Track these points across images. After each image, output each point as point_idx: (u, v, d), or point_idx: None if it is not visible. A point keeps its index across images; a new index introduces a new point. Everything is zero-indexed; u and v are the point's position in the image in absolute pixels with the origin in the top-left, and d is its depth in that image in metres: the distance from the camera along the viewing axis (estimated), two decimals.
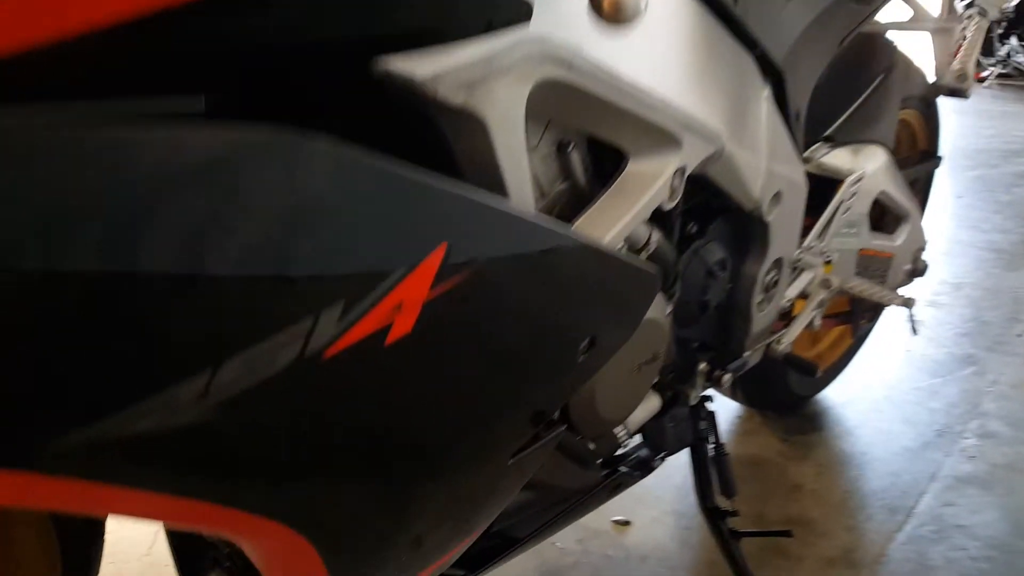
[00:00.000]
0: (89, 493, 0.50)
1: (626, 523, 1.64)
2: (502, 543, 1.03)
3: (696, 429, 1.35)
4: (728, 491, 1.34)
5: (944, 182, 3.64)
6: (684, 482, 1.74)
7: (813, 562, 1.53)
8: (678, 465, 1.76)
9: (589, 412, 0.97)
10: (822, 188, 1.40)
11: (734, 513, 1.36)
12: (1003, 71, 6.06)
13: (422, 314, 0.57)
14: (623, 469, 1.13)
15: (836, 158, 1.43)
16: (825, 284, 1.37)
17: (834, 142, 1.46)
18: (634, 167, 0.88)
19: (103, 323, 0.45)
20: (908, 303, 1.73)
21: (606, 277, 0.74)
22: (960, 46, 1.57)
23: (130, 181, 0.43)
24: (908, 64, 1.70)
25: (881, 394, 2.06)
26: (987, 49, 6.08)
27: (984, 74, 6.12)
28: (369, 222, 0.53)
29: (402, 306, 0.56)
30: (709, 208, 1.15)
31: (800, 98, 1.22)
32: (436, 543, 0.80)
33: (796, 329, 1.33)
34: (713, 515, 1.35)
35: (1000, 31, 5.99)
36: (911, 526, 1.62)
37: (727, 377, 1.25)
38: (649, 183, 0.88)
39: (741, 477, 1.59)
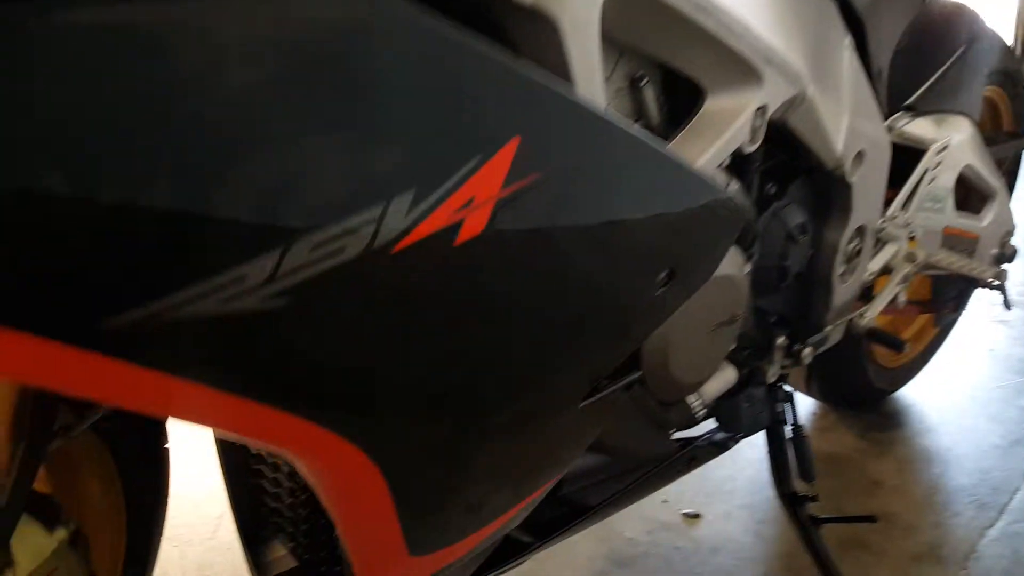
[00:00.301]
0: (150, 383, 0.47)
1: (696, 516, 1.58)
2: (572, 511, 0.98)
3: (773, 411, 1.29)
4: (807, 475, 1.27)
5: None
6: (757, 475, 1.67)
7: (897, 557, 1.45)
8: (751, 459, 1.70)
9: (663, 369, 0.92)
10: (903, 160, 1.34)
11: (813, 498, 1.29)
12: None
13: (494, 214, 0.54)
14: (698, 442, 1.07)
15: (919, 127, 1.36)
16: (910, 258, 1.30)
17: (916, 111, 1.40)
18: (713, 103, 0.83)
19: (174, 196, 0.42)
20: (1000, 276, 1.64)
21: (690, 199, 0.69)
22: None
23: (223, 47, 0.41)
24: (993, 36, 1.62)
25: (965, 392, 1.96)
26: None
27: None
28: (449, 102, 0.50)
29: (473, 202, 0.52)
30: (789, 168, 1.10)
31: (882, 55, 1.16)
32: (507, 489, 0.76)
33: (879, 304, 1.26)
34: (791, 501, 1.28)
35: None
36: (1004, 522, 1.52)
37: (807, 352, 1.18)
38: (729, 121, 0.83)
39: (817, 472, 1.52)
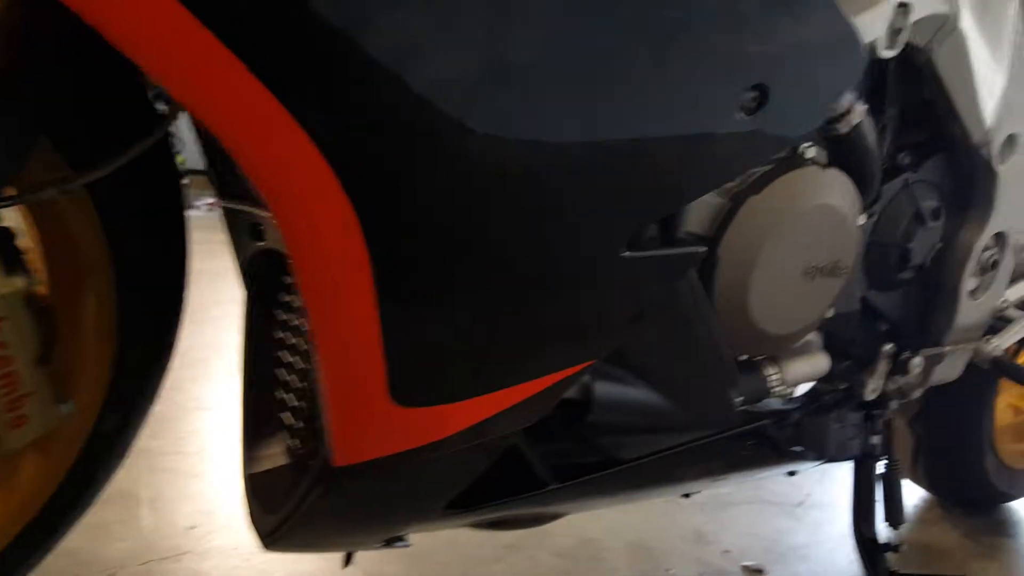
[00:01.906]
0: None
1: (759, 571, 1.38)
2: (601, 461, 0.84)
3: (867, 440, 1.11)
4: (895, 518, 1.08)
5: None
6: (837, 550, 1.46)
7: None
8: (833, 535, 1.49)
9: (739, 302, 0.78)
10: None
11: (895, 548, 1.09)
12: None
13: None
14: (767, 427, 0.91)
15: None
16: None
17: None
18: None
19: None
20: None
21: (794, 4, 0.57)
22: None
23: None
24: None
25: None
26: None
27: None
28: None
29: None
30: (931, 143, 0.96)
31: None
32: (515, 356, 0.63)
33: (1013, 332, 1.07)
34: (869, 547, 1.08)
35: None
36: None
37: (917, 361, 1.01)
38: (866, 5, 0.71)
39: (911, 561, 1.30)
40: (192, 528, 1.34)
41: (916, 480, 1.62)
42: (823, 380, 1.08)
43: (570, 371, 0.67)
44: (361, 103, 0.49)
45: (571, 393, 0.75)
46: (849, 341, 1.02)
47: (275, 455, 0.91)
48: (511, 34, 0.50)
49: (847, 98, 0.78)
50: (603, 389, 0.77)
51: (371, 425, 0.65)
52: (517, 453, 0.79)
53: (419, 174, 0.51)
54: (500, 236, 0.55)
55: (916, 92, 0.89)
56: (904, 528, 1.58)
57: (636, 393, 0.79)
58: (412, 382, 0.62)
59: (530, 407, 0.69)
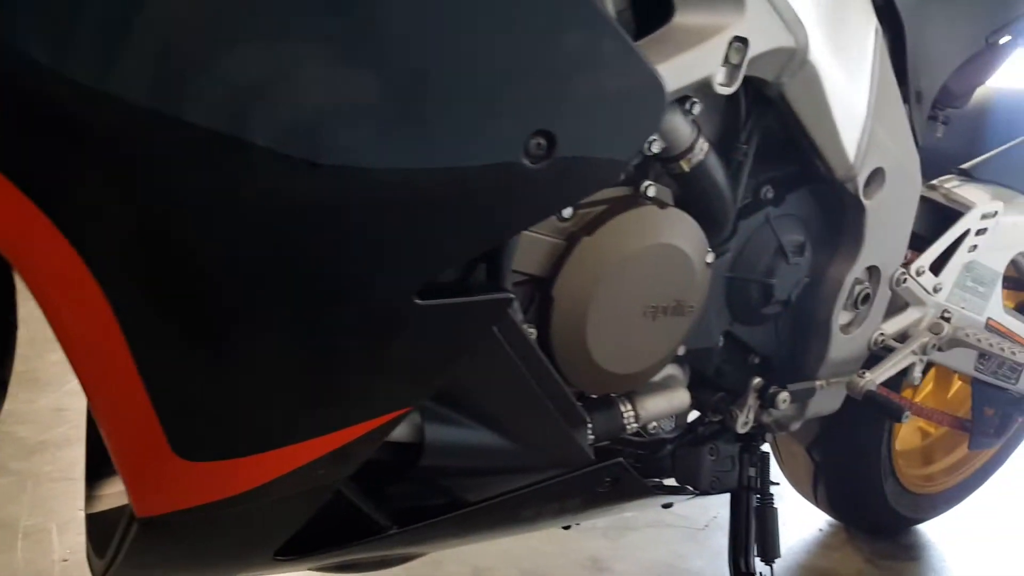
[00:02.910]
0: None
1: None
2: (444, 504, 0.81)
3: (743, 473, 1.09)
4: (768, 553, 1.06)
5: None
6: None
7: None
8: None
9: (577, 343, 0.76)
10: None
11: None
12: None
13: None
14: (623, 461, 0.89)
15: (970, 192, 1.19)
16: (935, 328, 1.11)
17: (970, 177, 1.22)
18: (682, 19, 0.70)
19: None
20: None
21: (581, 39, 0.54)
22: None
23: None
24: None
25: (1002, 545, 1.68)
26: None
27: None
28: None
29: None
30: (795, 176, 0.95)
31: (925, 77, 1.01)
32: (315, 407, 0.60)
33: (887, 367, 1.06)
34: None
35: None
36: None
37: (783, 397, 1.00)
38: (696, 41, 0.69)
39: None
40: (65, 560, 1.29)
41: (818, 506, 1.61)
42: (700, 412, 1.07)
43: (379, 421, 0.64)
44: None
45: (403, 436, 0.73)
46: (719, 374, 1.01)
47: (114, 495, 0.87)
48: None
49: (688, 135, 0.76)
50: (435, 433, 0.74)
51: (161, 479, 0.62)
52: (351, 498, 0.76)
53: (163, 233, 0.48)
54: (259, 287, 0.52)
55: (775, 127, 0.87)
56: (806, 555, 1.59)
57: (472, 436, 0.76)
58: (193, 437, 0.59)
59: (344, 457, 0.66)
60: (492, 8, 0.50)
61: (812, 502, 1.62)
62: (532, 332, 0.74)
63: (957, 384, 1.65)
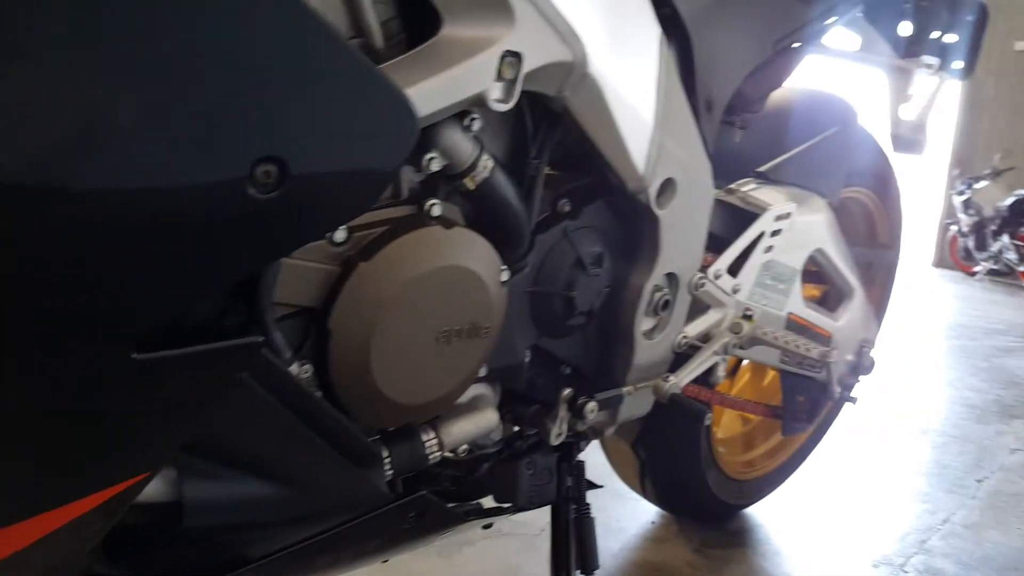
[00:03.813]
0: None
1: None
2: (225, 563, 0.74)
3: (561, 484, 1.09)
4: (587, 565, 1.06)
5: (927, 347, 3.65)
6: None
7: None
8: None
9: (361, 376, 0.72)
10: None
11: None
12: (994, 267, 6.09)
13: None
14: (427, 493, 0.85)
15: (766, 194, 1.23)
16: (735, 328, 1.14)
17: (766, 179, 1.27)
18: (450, 32, 0.67)
19: None
20: (849, 385, 1.49)
21: (312, 59, 0.49)
22: (916, 98, 1.40)
23: None
24: (868, 134, 1.54)
25: (821, 519, 1.78)
26: (980, 244, 6.13)
27: (976, 268, 6.15)
28: None
29: None
30: (590, 189, 0.94)
31: (715, 86, 1.03)
32: (21, 485, 0.53)
33: (690, 370, 1.08)
34: None
35: (993, 228, 6.05)
36: None
37: (591, 407, 1.00)
38: (465, 55, 0.67)
39: None
40: None
41: (647, 496, 1.65)
42: (517, 427, 1.05)
43: (114, 490, 0.57)
44: None
45: (160, 496, 0.66)
46: (531, 387, 0.99)
47: None
48: None
49: (469, 152, 0.74)
50: (195, 490, 0.66)
51: None
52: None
53: None
54: None
55: (567, 140, 0.86)
56: (636, 551, 1.62)
57: (239, 489, 0.69)
58: None
59: (78, 532, 0.58)
60: (207, 25, 0.45)
61: (641, 495, 1.65)
62: (307, 369, 0.70)
63: (771, 373, 1.73)
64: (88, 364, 0.47)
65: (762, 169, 1.29)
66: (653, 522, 1.72)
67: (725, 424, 1.77)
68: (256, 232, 0.50)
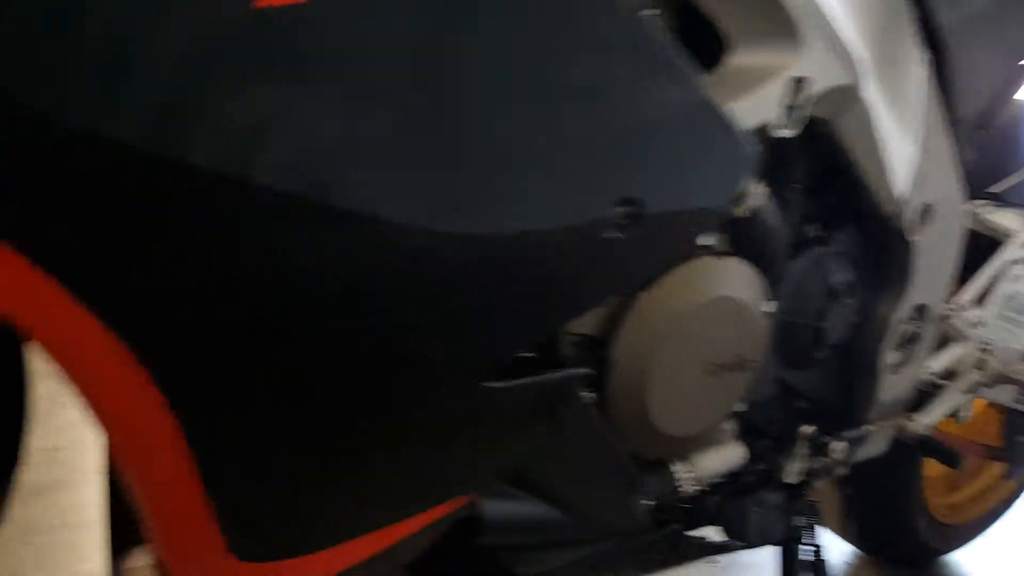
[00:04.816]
0: None
1: None
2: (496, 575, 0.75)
3: (789, 524, 1.04)
4: None
5: None
6: None
7: None
8: None
9: (636, 407, 0.71)
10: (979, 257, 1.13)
11: None
12: None
13: None
14: (679, 527, 0.83)
15: (1006, 218, 1.15)
16: (980, 364, 1.07)
17: (1002, 201, 1.19)
18: (738, 59, 0.66)
19: None
20: None
21: (669, 107, 0.50)
22: None
23: None
24: None
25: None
26: None
27: None
28: None
29: None
30: (841, 212, 0.91)
31: (969, 101, 0.98)
32: (377, 498, 0.55)
33: (939, 410, 1.02)
34: None
35: None
36: None
37: (839, 447, 0.95)
38: (755, 84, 0.65)
39: None
40: None
41: (846, 538, 1.57)
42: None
43: (443, 511, 0.59)
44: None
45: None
46: (767, 422, 0.96)
47: (140, 569, 0.82)
48: None
49: (743, 180, 0.72)
50: (493, 509, 0.68)
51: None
52: None
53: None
54: (331, 375, 0.47)
55: (821, 163, 0.83)
56: None
57: (532, 510, 0.71)
58: (255, 538, 0.53)
59: (404, 548, 0.60)
60: (566, 73, 0.46)
61: (837, 533, 1.57)
62: (593, 397, 0.69)
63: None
64: (448, 392, 0.48)
65: (995, 189, 1.21)
66: (848, 562, 1.64)
67: (929, 464, 1.67)
68: (605, 271, 0.50)
